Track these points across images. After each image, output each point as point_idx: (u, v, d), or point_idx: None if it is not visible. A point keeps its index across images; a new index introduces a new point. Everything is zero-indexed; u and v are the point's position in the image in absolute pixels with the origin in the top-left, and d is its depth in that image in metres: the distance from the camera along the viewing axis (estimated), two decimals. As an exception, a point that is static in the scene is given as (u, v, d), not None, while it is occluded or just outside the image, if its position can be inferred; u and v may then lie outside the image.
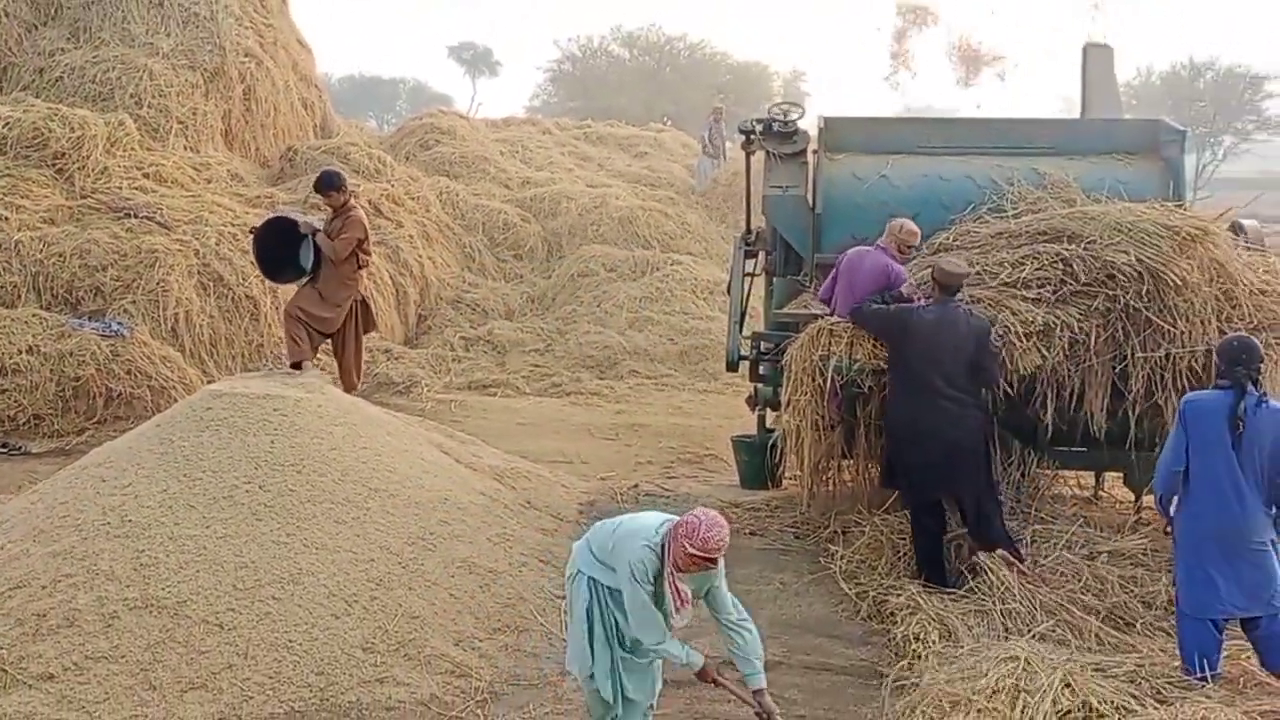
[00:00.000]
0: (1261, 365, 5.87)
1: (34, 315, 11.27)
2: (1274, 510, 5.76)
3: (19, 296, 11.56)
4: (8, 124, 12.99)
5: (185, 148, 14.77)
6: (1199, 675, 5.73)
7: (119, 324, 11.28)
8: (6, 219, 12.06)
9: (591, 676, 5.15)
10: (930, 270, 7.50)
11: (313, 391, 7.88)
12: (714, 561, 4.78)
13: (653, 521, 5.00)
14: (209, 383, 9.60)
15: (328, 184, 9.35)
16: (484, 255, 16.82)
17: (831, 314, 7.90)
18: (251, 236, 9.44)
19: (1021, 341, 7.40)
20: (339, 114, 20.17)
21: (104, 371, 10.83)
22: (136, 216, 12.48)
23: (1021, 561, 7.02)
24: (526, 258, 17.18)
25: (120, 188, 13.01)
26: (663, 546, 4.87)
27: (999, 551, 7.05)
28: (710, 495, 9.18)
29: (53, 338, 11.03)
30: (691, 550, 4.72)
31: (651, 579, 4.89)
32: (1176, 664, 5.88)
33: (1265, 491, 5.73)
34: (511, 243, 17.28)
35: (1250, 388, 5.77)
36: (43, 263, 11.74)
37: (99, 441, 8.97)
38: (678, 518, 4.91)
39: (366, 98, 57.43)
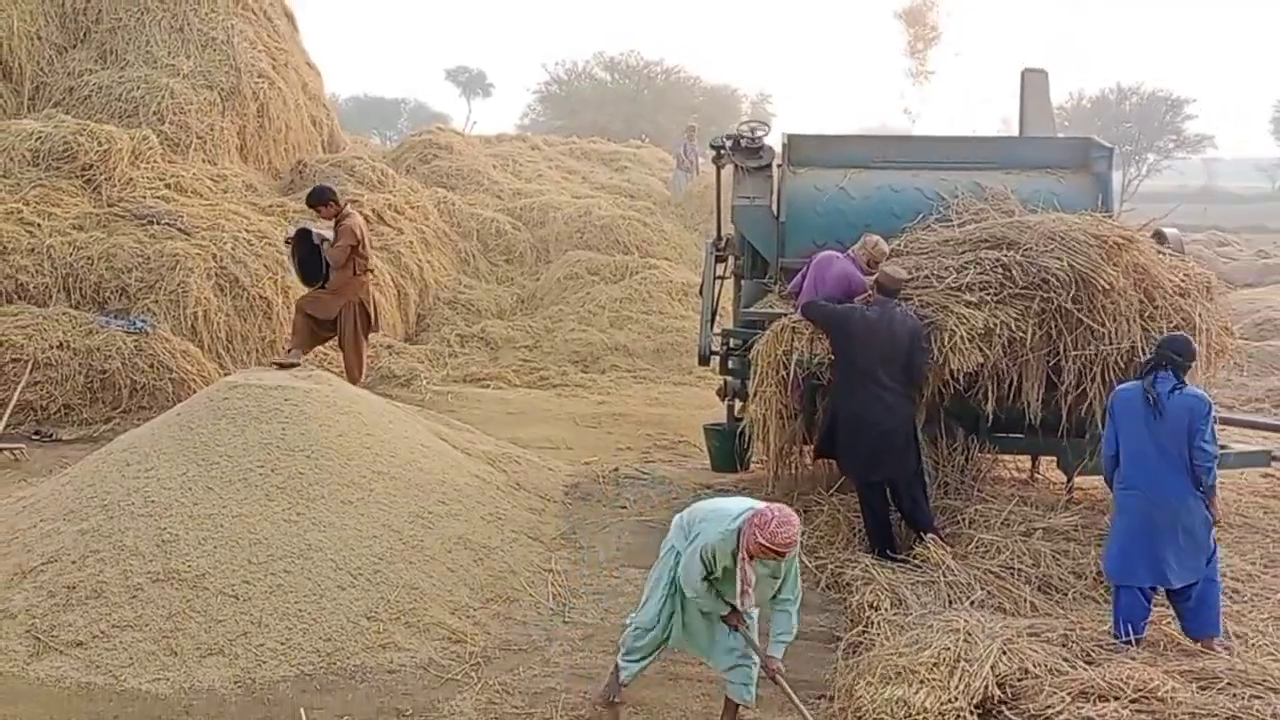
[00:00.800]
0: (1184, 358, 5.90)
1: (64, 313, 11.18)
2: (1199, 488, 5.78)
3: (50, 296, 11.46)
4: (40, 138, 12.89)
5: (204, 160, 14.66)
6: (1125, 639, 5.76)
7: (143, 321, 11.20)
8: (39, 225, 11.97)
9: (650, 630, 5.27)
10: (876, 275, 7.54)
11: (321, 383, 7.83)
12: (780, 554, 4.79)
13: (736, 509, 5.01)
14: (225, 375, 9.55)
15: (318, 199, 9.42)
16: (478, 260, 16.77)
17: (796, 309, 7.89)
18: (288, 245, 9.44)
19: (965, 340, 7.41)
20: (345, 131, 20.07)
21: (129, 365, 10.75)
22: (159, 223, 12.39)
23: (948, 545, 7.07)
24: (517, 262, 17.14)
25: (144, 197, 12.91)
26: (738, 533, 4.88)
27: (930, 536, 7.11)
28: (684, 478, 9.19)
29: (82, 334, 10.94)
30: (760, 540, 4.75)
31: (715, 561, 4.94)
32: (1105, 628, 5.91)
33: (1188, 470, 5.75)
34: (503, 248, 17.22)
35: (1164, 372, 5.82)
36: (72, 265, 11.64)
37: (124, 429, 8.95)
38: (761, 505, 4.91)
39: (371, 116, 57.18)
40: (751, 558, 4.82)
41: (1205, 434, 5.69)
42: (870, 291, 7.56)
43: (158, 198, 13.05)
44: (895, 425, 7.24)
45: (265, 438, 7.01)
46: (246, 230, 12.91)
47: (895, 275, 7.38)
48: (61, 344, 10.78)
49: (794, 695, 5.05)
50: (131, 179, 13.07)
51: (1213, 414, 5.77)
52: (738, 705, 5.32)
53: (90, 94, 14.53)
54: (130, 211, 12.53)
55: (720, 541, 4.90)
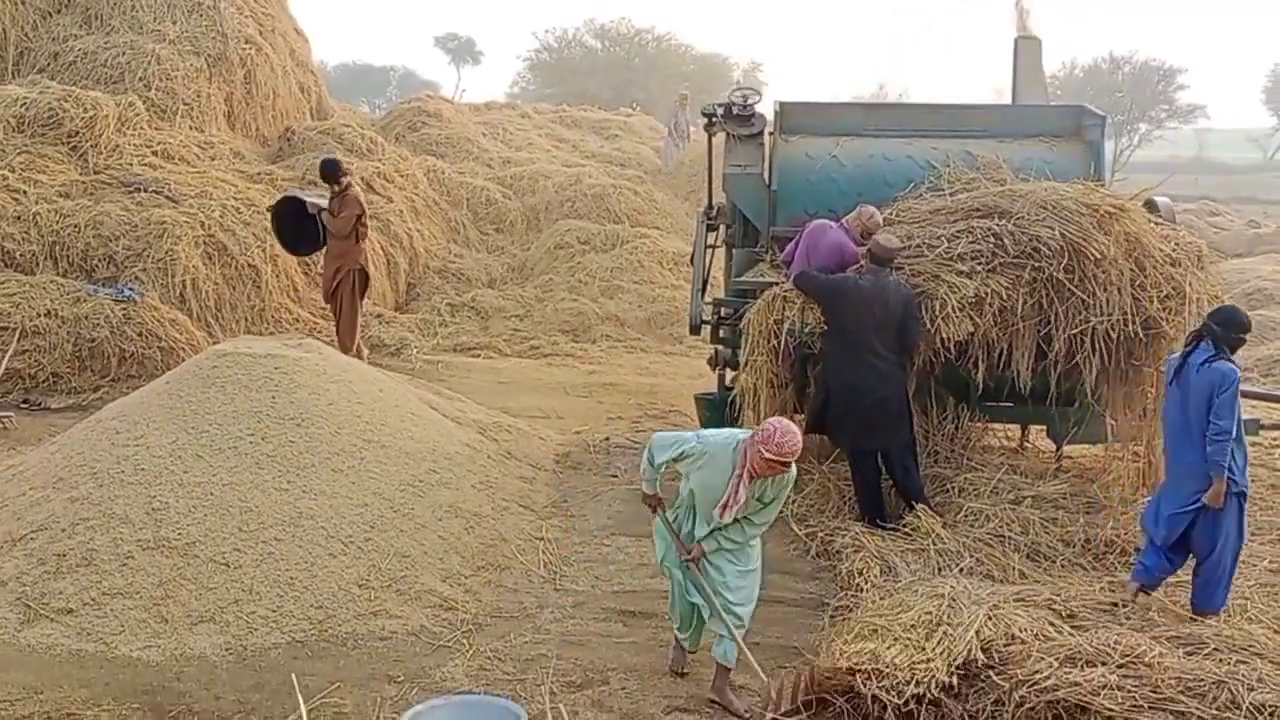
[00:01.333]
0: (1224, 329, 5.83)
1: (52, 281, 11.10)
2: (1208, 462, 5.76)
3: (38, 264, 11.38)
4: (25, 104, 12.76)
5: (191, 128, 14.50)
6: (1138, 586, 5.93)
7: (130, 290, 11.13)
8: (25, 192, 11.86)
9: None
10: (868, 244, 7.49)
11: (311, 352, 7.80)
12: (787, 465, 4.89)
13: (738, 433, 5.16)
14: (214, 344, 9.48)
15: (335, 171, 9.40)
16: (468, 229, 16.61)
17: (787, 281, 7.83)
18: (270, 215, 9.40)
19: (956, 309, 7.37)
20: (333, 98, 19.87)
21: (117, 333, 10.69)
22: (146, 191, 12.28)
23: (938, 513, 7.10)
24: (507, 231, 16.99)
25: (131, 164, 12.80)
26: (736, 450, 4.99)
27: (920, 506, 7.13)
28: None
29: (69, 302, 10.87)
30: (767, 455, 4.81)
31: (696, 461, 5.09)
32: (1092, 594, 5.92)
33: (1201, 443, 5.75)
34: (493, 217, 17.09)
35: (1205, 343, 5.81)
36: (59, 233, 11.55)
37: (113, 398, 8.91)
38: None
39: (359, 83, 56.72)
40: (755, 476, 4.87)
41: (1221, 408, 5.65)
42: (863, 261, 7.51)
43: (144, 165, 12.94)
44: (888, 394, 7.22)
45: (255, 406, 6.98)
46: (234, 198, 12.81)
47: (888, 245, 7.33)
48: (49, 312, 10.72)
49: (725, 619, 5.13)
50: (118, 146, 12.96)
51: (1234, 389, 5.71)
52: (726, 669, 5.34)
53: (75, 60, 14.37)
54: (117, 179, 12.43)
55: (720, 448, 5.00)
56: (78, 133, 12.71)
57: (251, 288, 12.16)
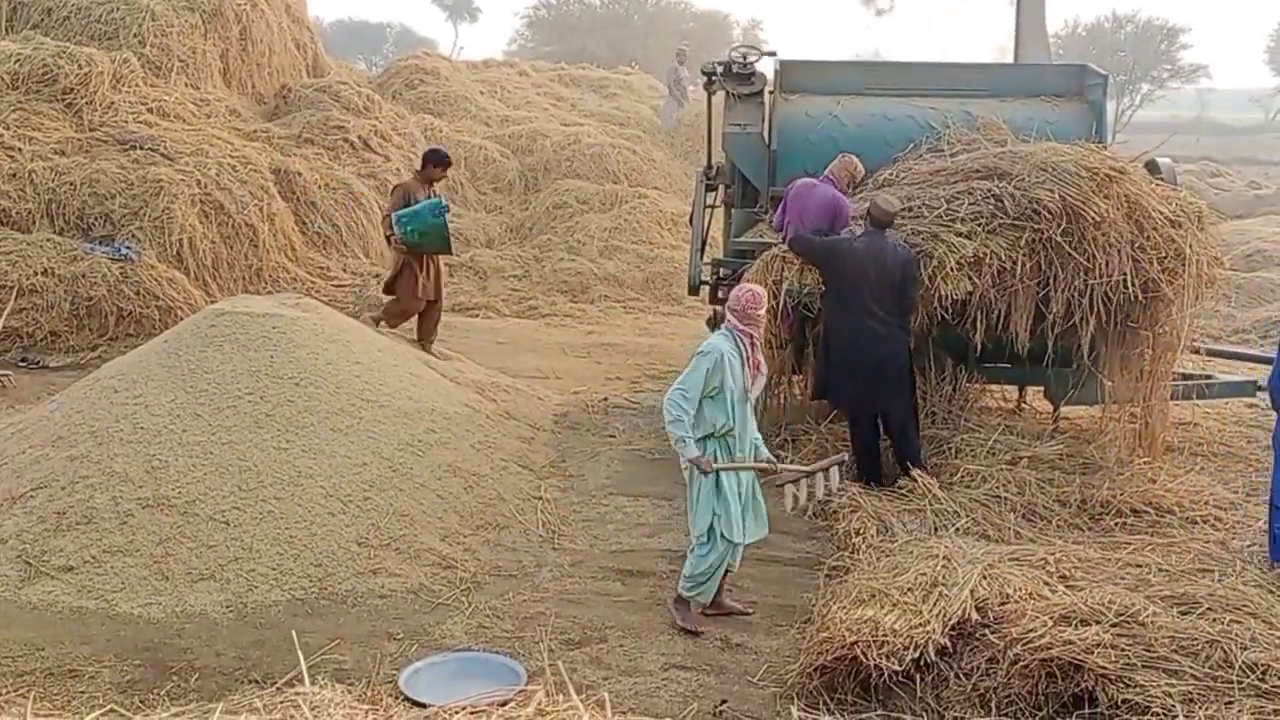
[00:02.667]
0: None
1: (48, 240, 11.05)
2: None
3: (34, 222, 11.31)
4: (19, 60, 12.63)
5: (186, 84, 14.35)
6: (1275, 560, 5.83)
7: (128, 248, 11.09)
8: (20, 150, 11.78)
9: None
10: (868, 205, 7.42)
11: (309, 311, 7.78)
12: (758, 316, 5.66)
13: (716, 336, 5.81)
14: (212, 303, 9.43)
15: (445, 160, 9.16)
16: (466, 188, 16.44)
17: (784, 242, 7.79)
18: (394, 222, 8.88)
19: (955, 268, 7.33)
20: (330, 55, 19.68)
21: (114, 292, 10.67)
22: (142, 148, 12.18)
23: (935, 475, 7.09)
24: (505, 191, 16.85)
25: (126, 122, 12.70)
26: (729, 336, 5.68)
27: (916, 471, 7.12)
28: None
29: (66, 261, 10.83)
30: (742, 323, 5.63)
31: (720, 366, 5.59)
32: (1084, 554, 5.87)
33: None
34: (491, 176, 16.96)
35: None
36: (55, 191, 11.48)
37: (111, 356, 8.91)
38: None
39: (356, 40, 56.15)
40: (744, 334, 5.62)
41: None
42: (861, 220, 7.46)
43: (140, 122, 12.83)
44: (887, 356, 7.18)
45: (253, 365, 6.96)
46: (231, 156, 12.73)
47: (887, 207, 7.27)
48: (46, 270, 10.69)
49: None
50: (113, 103, 12.84)
51: None
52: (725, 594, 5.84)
53: (69, 15, 14.18)
54: (113, 136, 12.33)
55: (721, 343, 5.59)
56: (72, 89, 12.60)
57: (249, 246, 12.10)
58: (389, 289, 9.16)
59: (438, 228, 8.65)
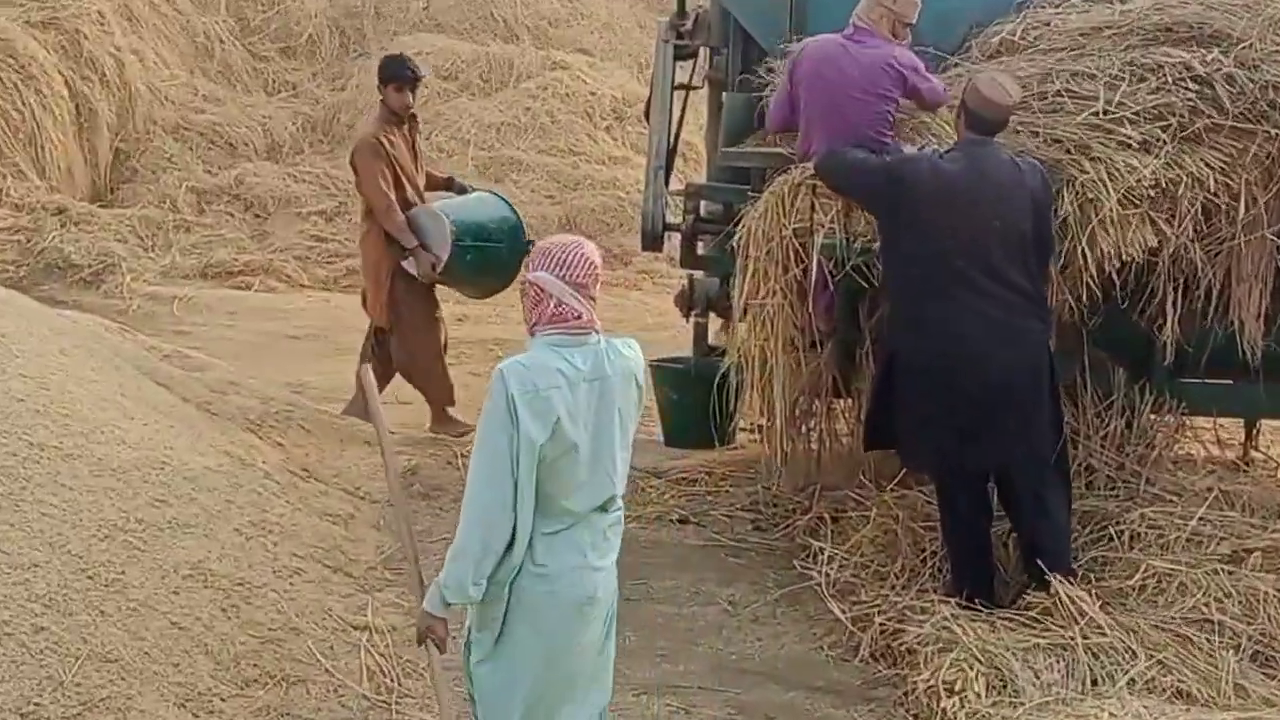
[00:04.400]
0: None
1: None
2: None
3: None
4: None
5: None
6: None
7: None
8: None
9: None
10: (961, 91, 5.62)
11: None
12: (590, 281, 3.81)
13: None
14: None
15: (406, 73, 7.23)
16: (229, 48, 12.76)
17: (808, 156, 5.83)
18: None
19: (1121, 207, 5.48)
20: None
21: None
22: None
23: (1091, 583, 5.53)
24: (304, 54, 13.07)
25: None
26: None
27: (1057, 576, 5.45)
28: None
29: None
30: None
31: None
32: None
33: None
34: (278, 28, 13.01)
35: None
36: None
37: None
38: None
39: None
40: None
41: None
42: (957, 118, 5.53)
43: None
44: (1016, 364, 5.36)
45: None
46: None
47: (996, 94, 5.35)
48: None
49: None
50: None
51: None
52: None
53: None
54: None
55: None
56: None
57: None
58: (380, 331, 7.26)
59: (506, 266, 7.04)
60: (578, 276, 3.38)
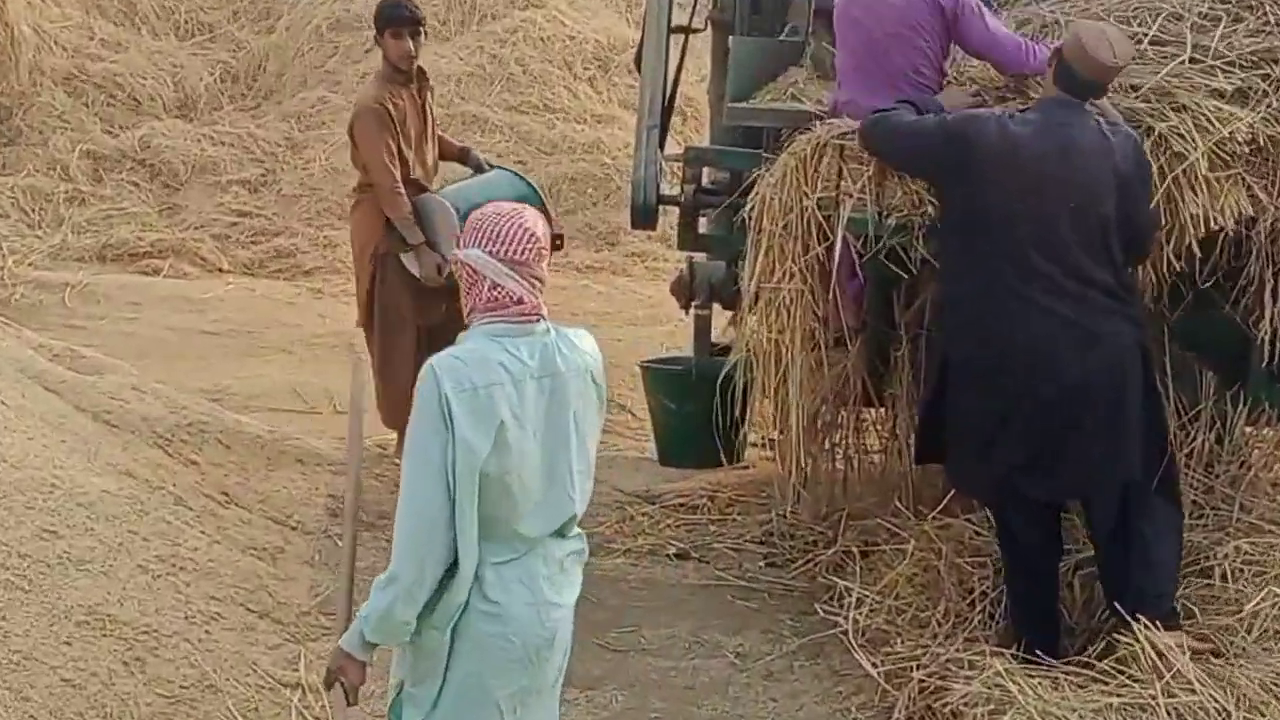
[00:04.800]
0: None
1: None
2: None
3: None
4: None
5: None
6: None
7: None
8: None
9: None
10: (1061, 47, 4.91)
11: None
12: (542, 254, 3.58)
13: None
14: None
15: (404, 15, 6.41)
16: None
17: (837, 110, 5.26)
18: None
19: (1207, 167, 4.88)
20: None
21: None
22: None
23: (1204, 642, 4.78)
24: None
25: None
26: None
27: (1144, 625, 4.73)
28: (600, 484, 5.80)
29: None
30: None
31: None
32: None
33: None
34: None
35: None
36: None
37: None
38: None
39: None
40: None
41: None
42: (1049, 67, 4.86)
43: None
44: (1091, 374, 4.73)
45: None
46: None
47: (1101, 52, 4.72)
48: None
49: None
50: None
51: None
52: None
53: None
54: None
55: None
56: None
57: None
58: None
59: None
60: (514, 253, 3.03)
